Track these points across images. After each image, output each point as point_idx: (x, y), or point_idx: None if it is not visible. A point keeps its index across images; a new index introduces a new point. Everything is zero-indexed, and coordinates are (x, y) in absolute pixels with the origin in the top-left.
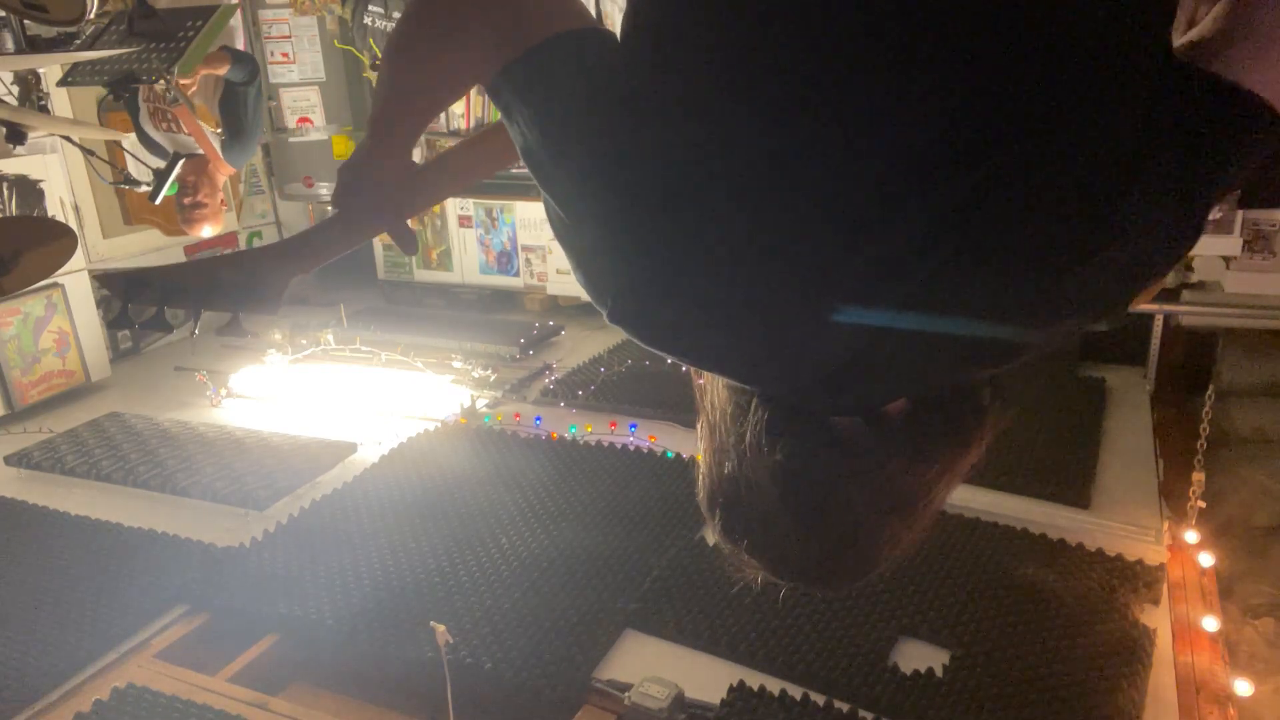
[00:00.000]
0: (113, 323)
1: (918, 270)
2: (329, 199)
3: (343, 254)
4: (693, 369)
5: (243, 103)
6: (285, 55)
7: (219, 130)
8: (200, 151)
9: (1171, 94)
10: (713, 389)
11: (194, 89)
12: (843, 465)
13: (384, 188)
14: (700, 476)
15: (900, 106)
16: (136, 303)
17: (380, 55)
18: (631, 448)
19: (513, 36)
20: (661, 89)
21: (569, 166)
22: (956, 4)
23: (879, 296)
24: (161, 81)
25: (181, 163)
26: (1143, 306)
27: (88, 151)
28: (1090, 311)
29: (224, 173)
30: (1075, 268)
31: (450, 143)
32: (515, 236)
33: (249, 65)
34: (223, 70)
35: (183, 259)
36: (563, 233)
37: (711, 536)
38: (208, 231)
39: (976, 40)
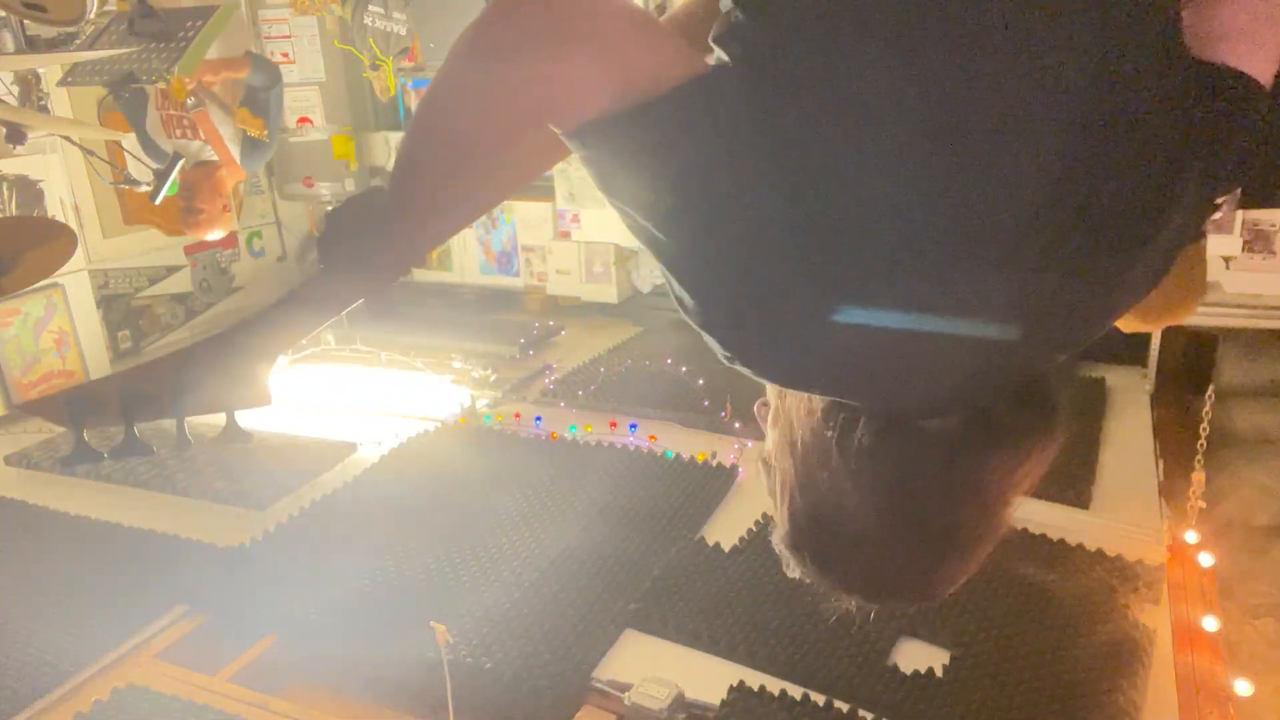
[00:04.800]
0: (68, 460)
1: (1036, 285)
2: (328, 200)
3: (331, 320)
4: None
5: (262, 108)
6: (285, 55)
7: (265, 134)
8: (212, 158)
9: (1193, 86)
10: (790, 419)
11: (217, 85)
12: (948, 469)
13: (394, 250)
14: (780, 519)
15: (1029, 137)
16: (95, 427)
17: (379, 54)
18: (631, 448)
19: (619, 75)
20: (812, 136)
21: (708, 217)
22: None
23: (1013, 317)
24: (183, 88)
25: (181, 164)
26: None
27: (88, 151)
28: (1132, 301)
29: (235, 177)
30: (1137, 260)
31: None
32: (515, 236)
33: (271, 71)
34: (243, 74)
35: (183, 259)
36: (684, 271)
37: (793, 571)
38: (210, 235)
39: (1082, 78)
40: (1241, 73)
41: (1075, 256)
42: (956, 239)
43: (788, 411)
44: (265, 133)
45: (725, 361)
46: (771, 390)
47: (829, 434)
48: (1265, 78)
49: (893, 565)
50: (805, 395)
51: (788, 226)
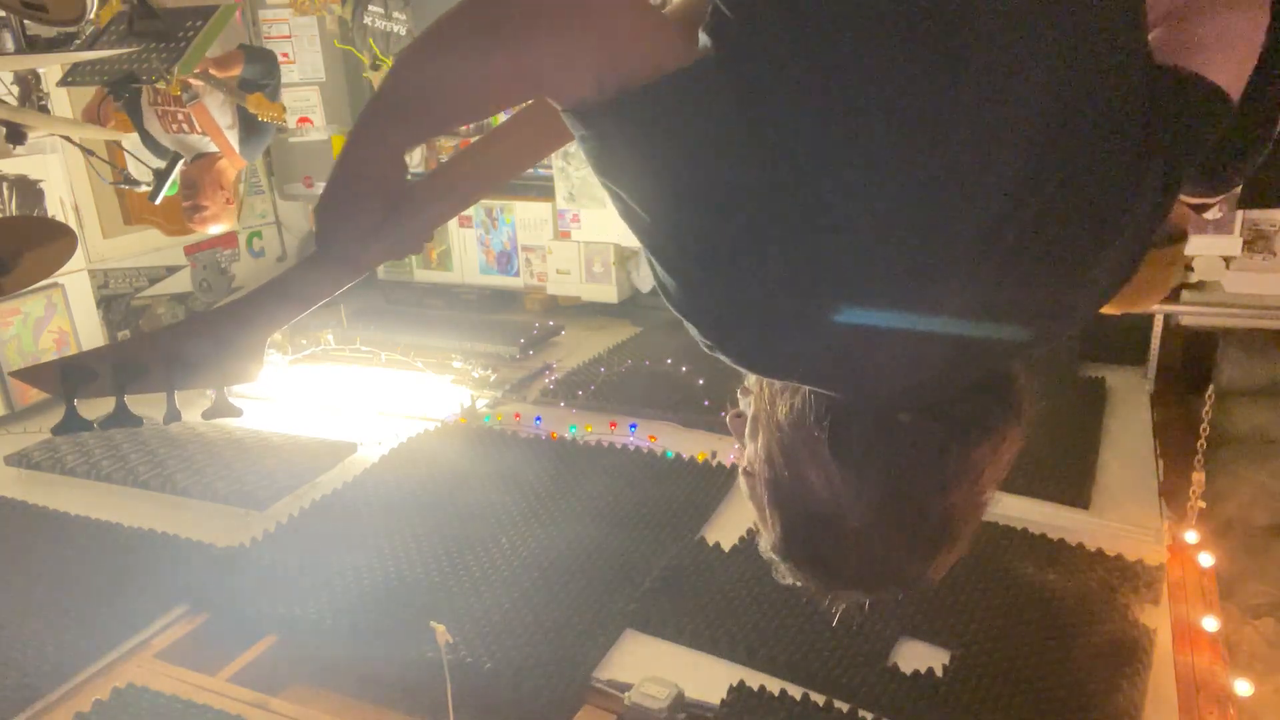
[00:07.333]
0: (60, 428)
1: (1008, 280)
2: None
3: (325, 301)
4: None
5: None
6: (285, 55)
7: (283, 117)
8: (211, 150)
9: (1158, 93)
10: (772, 425)
11: (224, 75)
12: (940, 461)
13: (372, 216)
14: (768, 527)
15: (998, 141)
16: (86, 396)
17: (380, 54)
18: (631, 448)
19: (608, 56)
20: (789, 132)
21: (691, 205)
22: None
23: (986, 313)
24: (177, 83)
25: (181, 163)
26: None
27: (88, 151)
28: (1094, 306)
29: (237, 166)
30: (1097, 262)
31: (449, 143)
32: (515, 236)
33: (265, 61)
34: (236, 70)
35: (183, 259)
36: (669, 256)
37: (785, 578)
38: (215, 229)
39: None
40: (1210, 82)
41: (1041, 257)
42: (929, 237)
43: (770, 416)
44: (284, 116)
45: (706, 349)
46: (755, 389)
47: (818, 434)
48: (1234, 88)
49: (892, 556)
50: (788, 399)
51: (768, 217)
